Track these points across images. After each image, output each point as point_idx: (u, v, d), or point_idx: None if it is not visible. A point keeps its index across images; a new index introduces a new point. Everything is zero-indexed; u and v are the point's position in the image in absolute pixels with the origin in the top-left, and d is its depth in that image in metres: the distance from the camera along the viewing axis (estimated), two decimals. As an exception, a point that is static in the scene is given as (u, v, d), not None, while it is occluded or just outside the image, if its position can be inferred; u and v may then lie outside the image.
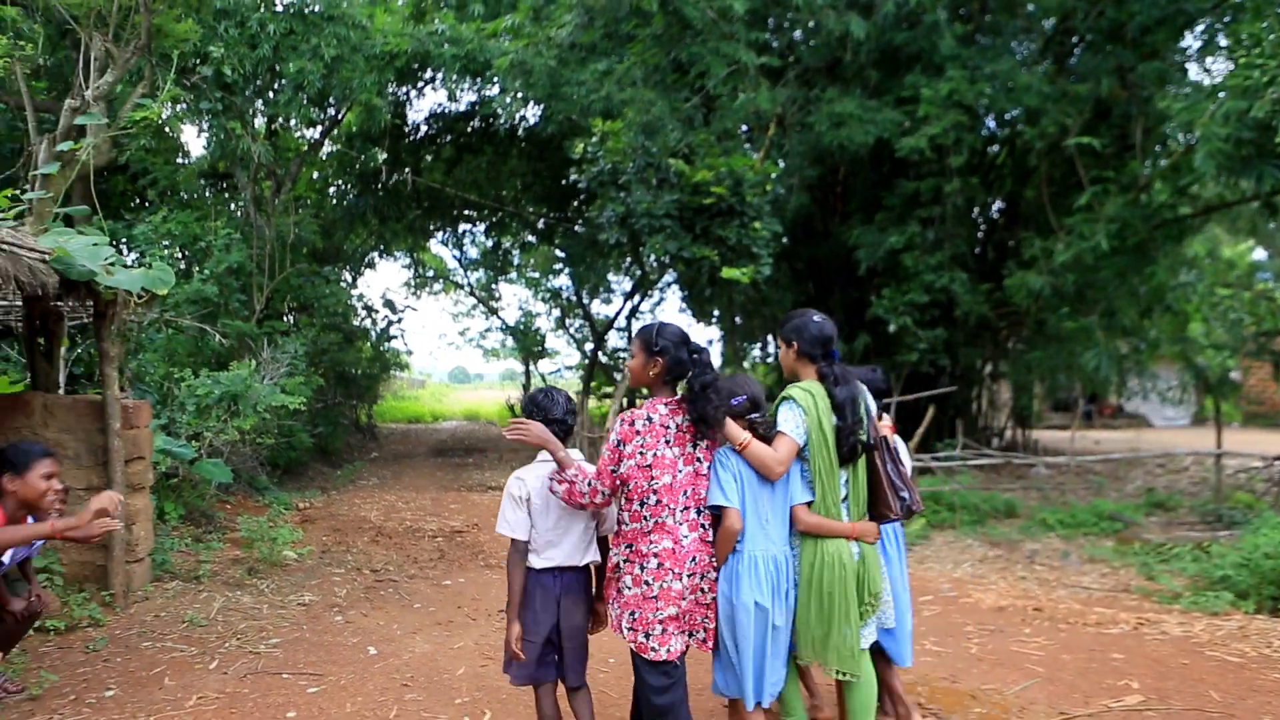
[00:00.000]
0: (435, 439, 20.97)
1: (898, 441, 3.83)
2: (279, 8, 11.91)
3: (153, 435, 6.84)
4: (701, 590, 3.21)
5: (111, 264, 5.78)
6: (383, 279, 44.40)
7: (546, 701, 3.45)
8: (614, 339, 25.57)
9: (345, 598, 6.53)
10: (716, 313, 22.53)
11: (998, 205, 14.96)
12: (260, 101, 12.84)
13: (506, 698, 4.54)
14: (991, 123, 13.58)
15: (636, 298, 24.53)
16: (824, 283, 15.55)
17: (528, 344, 25.05)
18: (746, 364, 23.88)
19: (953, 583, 7.40)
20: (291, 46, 11.51)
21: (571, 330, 26.94)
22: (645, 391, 3.42)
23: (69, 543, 6.03)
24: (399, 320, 18.79)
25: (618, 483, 3.20)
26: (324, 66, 11.49)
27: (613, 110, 11.79)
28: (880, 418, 3.72)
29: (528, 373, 26.25)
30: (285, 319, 13.78)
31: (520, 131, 16.08)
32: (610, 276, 24.27)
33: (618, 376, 23.22)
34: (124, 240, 11.28)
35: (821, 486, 3.32)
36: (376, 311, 18.70)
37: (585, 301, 25.59)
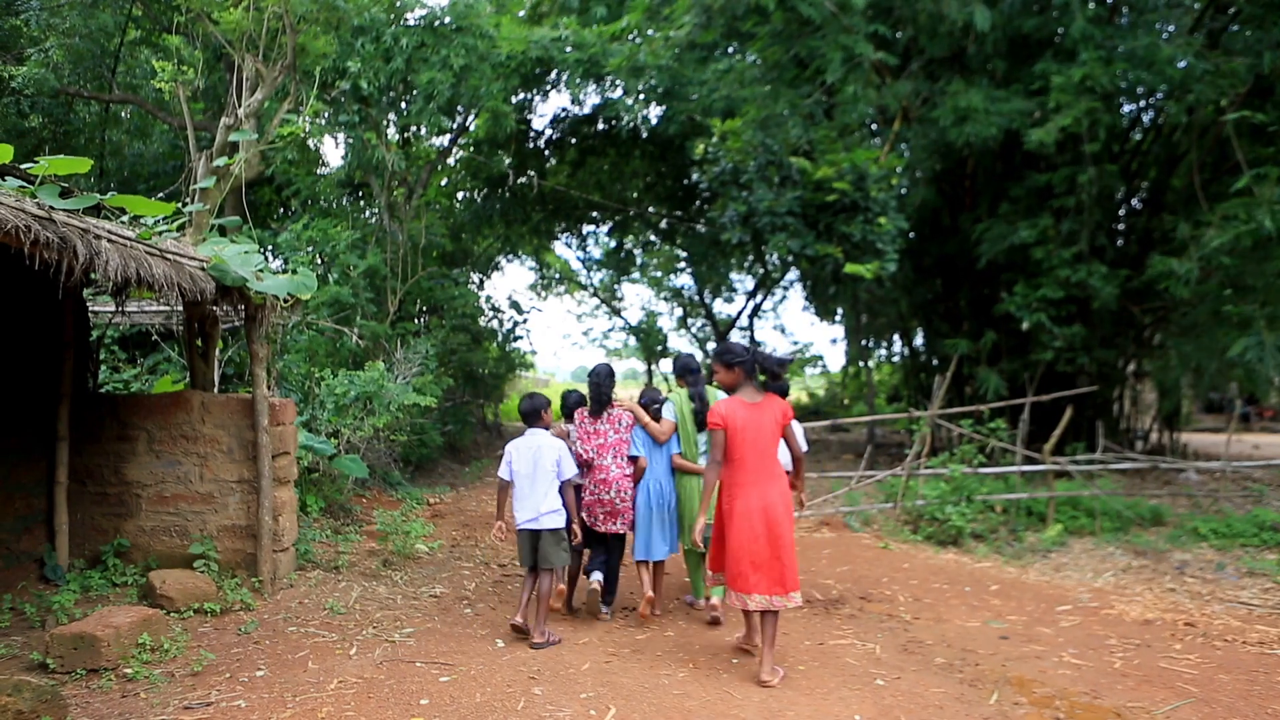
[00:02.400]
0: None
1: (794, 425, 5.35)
2: (411, 22, 12.41)
3: (297, 432, 7.23)
4: (622, 497, 5.89)
5: (261, 271, 6.15)
6: (509, 281, 45.71)
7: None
8: (736, 338, 25.49)
9: (474, 591, 6.73)
10: (840, 311, 22.16)
11: (1140, 194, 14.09)
12: (393, 112, 13.42)
13: (631, 693, 4.59)
14: (1135, 105, 12.82)
15: (759, 296, 24.41)
16: (952, 279, 15.04)
17: (650, 343, 25.24)
18: (871, 363, 23.38)
19: (1093, 592, 7.03)
20: (422, 58, 11.99)
21: (694, 330, 27.02)
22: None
23: (223, 532, 6.47)
24: (524, 321, 19.26)
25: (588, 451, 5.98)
26: (453, 76, 11.91)
27: (733, 109, 11.75)
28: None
29: (650, 372, 26.46)
30: (416, 320, 14.33)
31: (642, 133, 16.21)
32: (732, 275, 24.24)
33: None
34: (269, 248, 11.99)
35: (687, 444, 6.12)
36: (503, 312, 19.23)
37: (707, 300, 25.62)
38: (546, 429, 5.70)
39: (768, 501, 4.88)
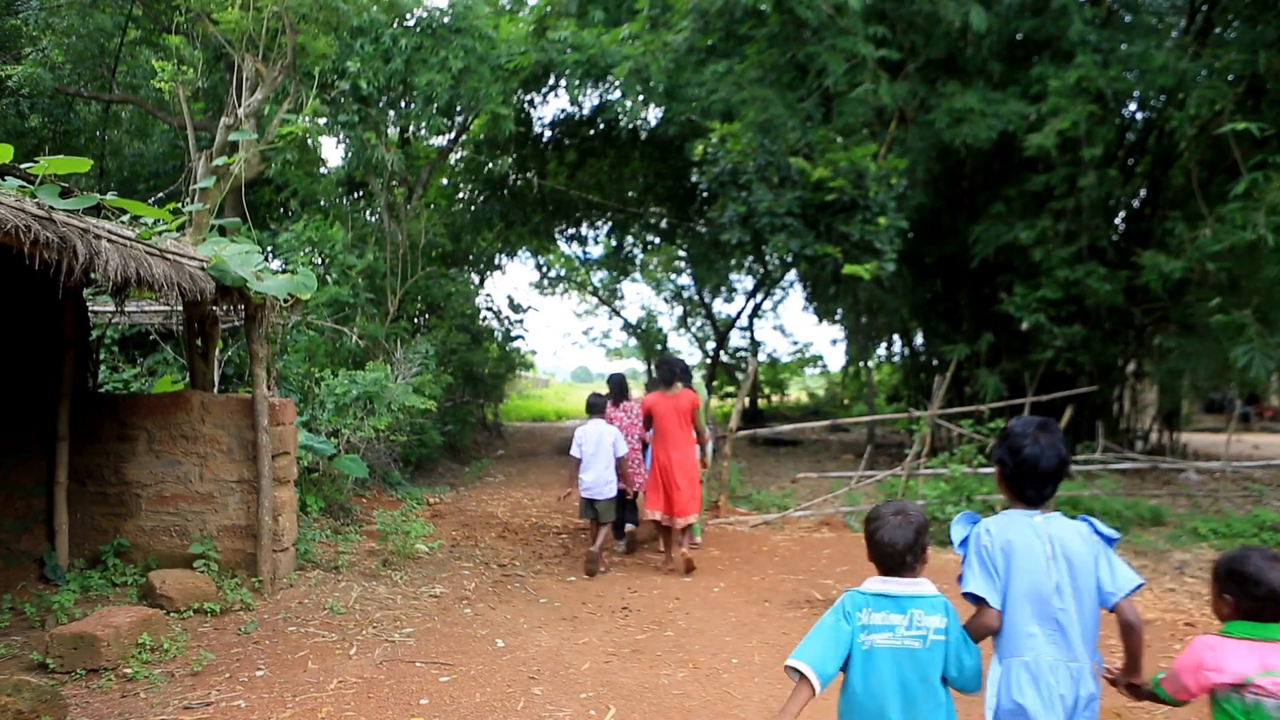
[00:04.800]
0: (559, 437, 21.36)
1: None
2: (410, 23, 12.42)
3: (297, 431, 7.23)
4: (633, 466, 7.85)
5: (260, 271, 6.16)
6: (509, 280, 45.86)
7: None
8: (736, 338, 25.55)
9: (474, 591, 6.74)
10: (840, 312, 22.18)
11: (1138, 194, 14.08)
12: (393, 113, 13.43)
13: (630, 693, 4.59)
14: (1132, 107, 12.82)
15: (759, 296, 24.44)
16: (951, 280, 15.04)
17: (650, 343, 25.26)
18: (871, 363, 23.39)
19: (1093, 593, 7.03)
20: (422, 60, 11.99)
21: (694, 329, 27.05)
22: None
23: (223, 532, 6.47)
24: (520, 321, 19.27)
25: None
26: (452, 78, 11.91)
27: (732, 111, 11.75)
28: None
29: (650, 371, 26.50)
30: (415, 320, 14.33)
31: (641, 134, 16.22)
32: (732, 276, 24.26)
33: (739, 376, 23.15)
34: (269, 248, 11.99)
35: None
36: (502, 312, 19.24)
37: (707, 300, 25.64)
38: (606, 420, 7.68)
39: (685, 456, 7.46)
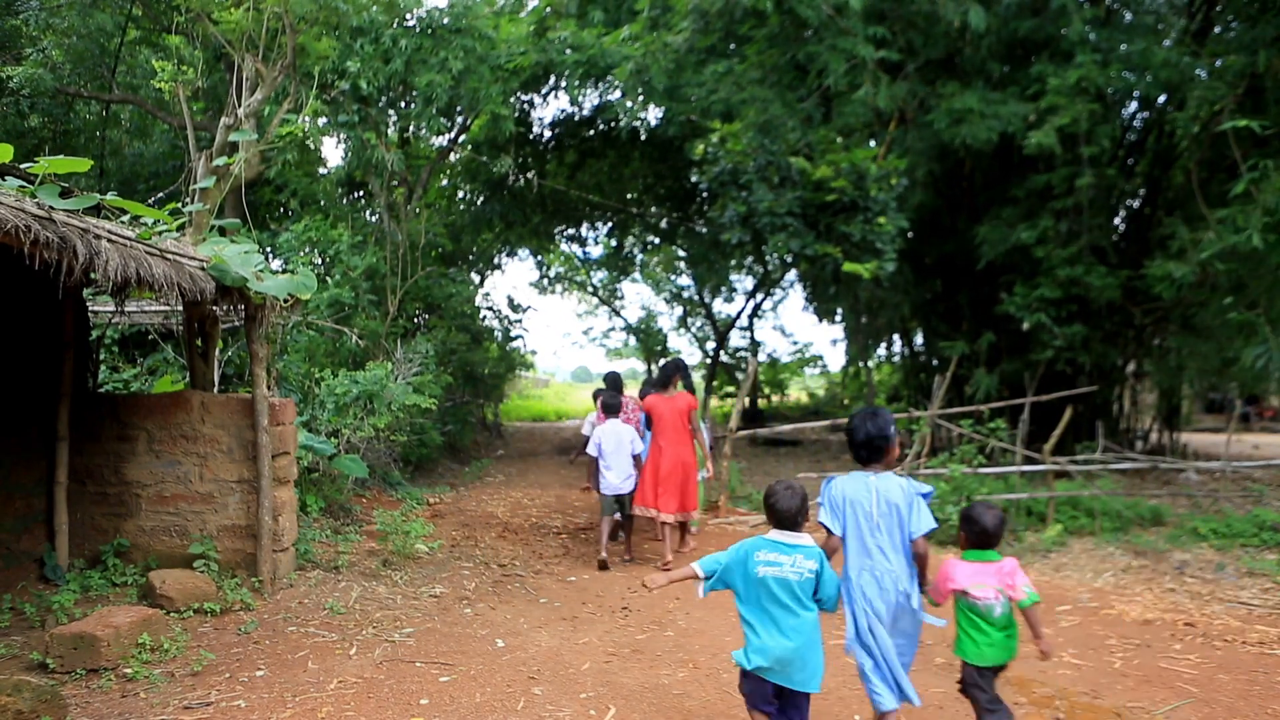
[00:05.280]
0: (559, 437, 21.38)
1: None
2: (410, 23, 12.41)
3: (297, 431, 7.23)
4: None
5: (260, 271, 6.16)
6: (509, 280, 45.99)
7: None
8: (736, 338, 25.55)
9: (474, 591, 6.74)
10: (840, 312, 22.17)
11: (1138, 193, 14.07)
12: (393, 113, 13.42)
13: (631, 693, 4.59)
14: (1132, 107, 12.80)
15: (759, 296, 24.44)
16: (951, 280, 15.04)
17: (650, 343, 25.25)
18: (871, 363, 23.40)
19: (1093, 593, 7.03)
20: (421, 60, 11.98)
21: (694, 329, 27.04)
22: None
23: (223, 532, 6.47)
24: (519, 320, 19.27)
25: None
26: (452, 78, 11.90)
27: (732, 111, 11.74)
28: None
29: (650, 371, 26.49)
30: (415, 320, 14.33)
31: (641, 134, 16.21)
32: (732, 276, 24.25)
33: (739, 375, 23.15)
34: (269, 248, 11.99)
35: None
36: (502, 312, 19.24)
37: (707, 300, 25.63)
38: (624, 420, 8.12)
39: (679, 456, 7.78)
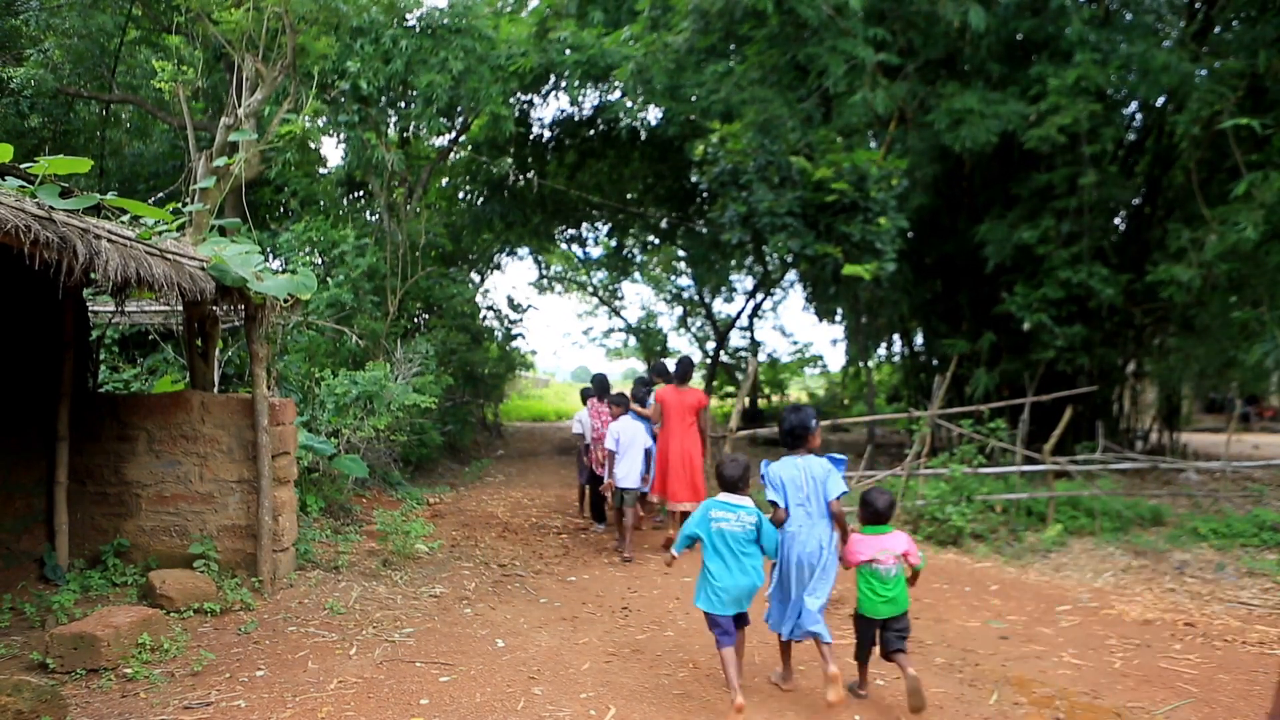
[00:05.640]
0: (559, 437, 21.37)
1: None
2: (410, 23, 12.41)
3: (296, 431, 7.23)
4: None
5: (260, 271, 6.16)
6: (509, 279, 45.94)
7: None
8: (736, 338, 25.54)
9: (474, 591, 6.74)
10: (840, 312, 22.16)
11: (1138, 193, 14.07)
12: (393, 113, 13.41)
13: (631, 693, 4.59)
14: (1131, 107, 12.79)
15: (759, 296, 24.42)
16: (951, 280, 15.04)
17: (650, 343, 25.24)
18: (871, 363, 23.39)
19: (1093, 593, 7.03)
20: (422, 60, 11.98)
21: (693, 329, 27.02)
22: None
23: (223, 532, 6.47)
24: (520, 320, 19.27)
25: None
26: (452, 79, 11.90)
27: (732, 111, 11.74)
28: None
29: (646, 371, 26.48)
30: (415, 320, 14.33)
31: (641, 135, 16.21)
32: (732, 276, 24.24)
33: (739, 375, 23.15)
34: (269, 249, 11.99)
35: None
36: (502, 312, 19.23)
37: (707, 300, 25.62)
38: (639, 416, 8.52)
39: (685, 448, 8.29)
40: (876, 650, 4.54)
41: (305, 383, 10.02)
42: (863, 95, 10.94)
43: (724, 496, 4.61)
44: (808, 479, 4.65)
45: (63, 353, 6.38)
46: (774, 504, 4.64)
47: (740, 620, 4.56)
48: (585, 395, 9.88)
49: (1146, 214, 13.76)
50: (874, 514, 4.66)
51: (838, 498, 4.61)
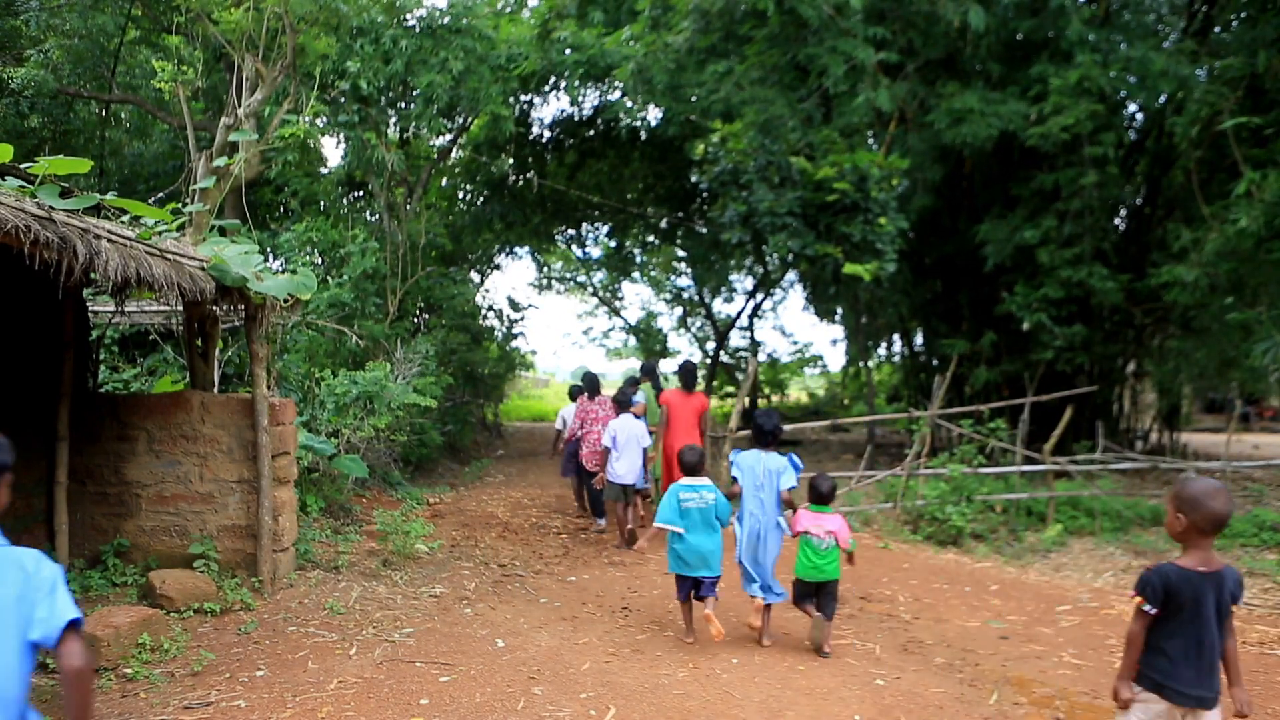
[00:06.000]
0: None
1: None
2: (410, 23, 12.41)
3: (296, 431, 7.23)
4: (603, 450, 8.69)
5: (260, 271, 6.16)
6: (508, 279, 45.81)
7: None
8: (736, 338, 25.53)
9: (474, 591, 6.74)
10: (839, 312, 22.16)
11: (1139, 193, 14.07)
12: (393, 113, 13.41)
13: (631, 693, 4.59)
14: (1131, 107, 12.79)
15: (759, 296, 24.41)
16: (951, 280, 15.04)
17: (650, 343, 25.23)
18: (871, 363, 23.39)
19: (1093, 593, 7.04)
20: (422, 60, 11.98)
21: (693, 329, 27.01)
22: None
23: (223, 532, 6.46)
24: (522, 319, 19.26)
25: None
26: (452, 79, 11.89)
27: (732, 111, 11.74)
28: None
29: (637, 371, 26.44)
30: (415, 320, 14.32)
31: (642, 135, 16.21)
32: (732, 276, 24.23)
33: (739, 376, 23.14)
34: (270, 249, 11.99)
35: (651, 415, 9.03)
36: (502, 311, 19.23)
37: (707, 301, 25.61)
38: (636, 415, 8.72)
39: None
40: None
41: (305, 383, 10.01)
42: (865, 94, 10.94)
43: (686, 480, 5.68)
44: (764, 470, 5.65)
45: (63, 353, 6.38)
46: (734, 480, 5.74)
47: (700, 585, 5.59)
48: (574, 393, 10.36)
49: (1146, 214, 13.77)
50: (818, 495, 5.64)
51: (789, 489, 5.64)
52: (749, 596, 5.68)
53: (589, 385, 9.90)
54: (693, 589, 5.61)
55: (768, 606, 5.59)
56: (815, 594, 5.43)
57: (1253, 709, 3.26)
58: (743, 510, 5.66)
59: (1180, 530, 3.08)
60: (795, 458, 5.73)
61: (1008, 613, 6.38)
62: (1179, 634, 3.06)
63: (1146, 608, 3.06)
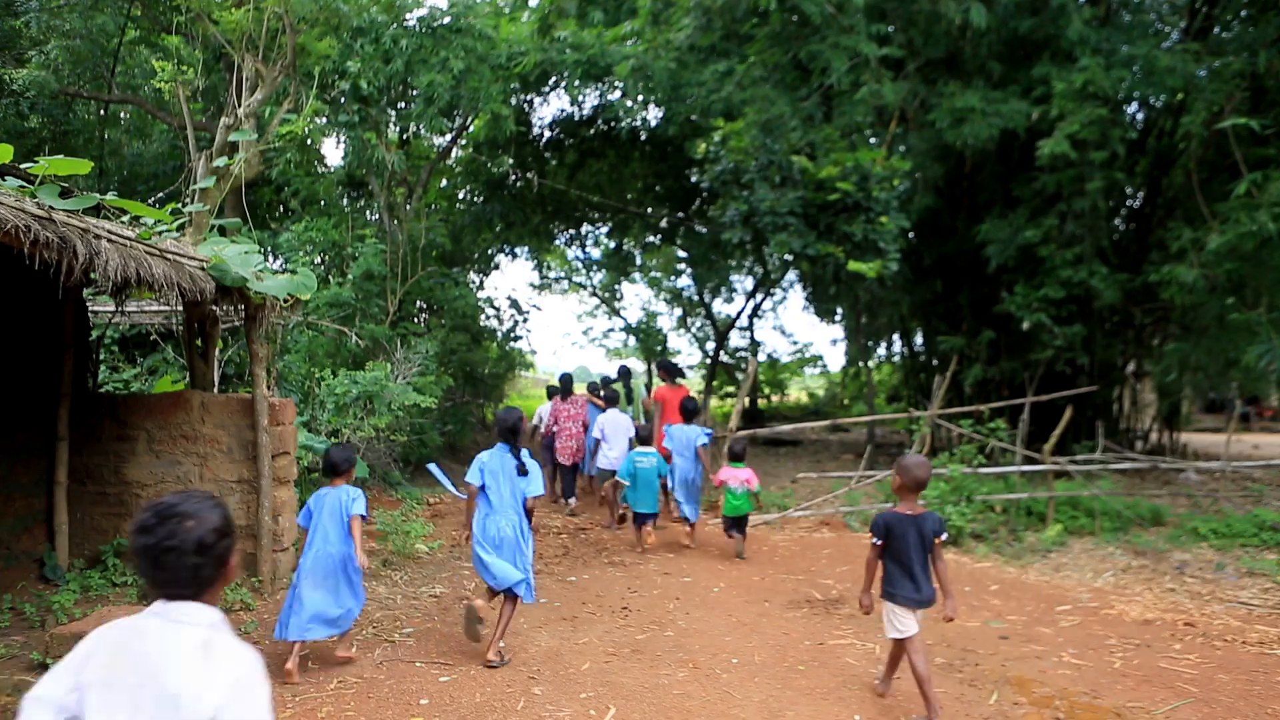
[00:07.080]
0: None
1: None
2: (411, 23, 12.40)
3: (296, 431, 7.22)
4: (579, 444, 10.60)
5: (260, 271, 6.15)
6: (508, 279, 45.78)
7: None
8: (735, 338, 25.53)
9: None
10: (840, 312, 22.15)
11: (1139, 194, 14.06)
12: (393, 113, 13.40)
13: (630, 693, 4.59)
14: (1132, 107, 12.78)
15: (759, 296, 24.41)
16: (952, 279, 15.03)
17: (649, 343, 25.22)
18: (871, 363, 23.39)
19: (1093, 592, 7.03)
20: (422, 60, 11.97)
21: (693, 330, 27.01)
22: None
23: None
24: (524, 320, 19.24)
25: None
26: (452, 78, 11.89)
27: (733, 110, 11.73)
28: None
29: (649, 370, 26.45)
30: (415, 320, 14.31)
31: (642, 134, 16.18)
32: (732, 276, 24.22)
33: (739, 376, 23.13)
34: (270, 248, 11.98)
35: (637, 411, 11.50)
36: (501, 312, 19.21)
37: (707, 301, 25.60)
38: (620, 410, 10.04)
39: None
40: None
41: (305, 383, 10.01)
42: (869, 88, 10.94)
43: (640, 449, 8.30)
44: (685, 439, 8.49)
45: (63, 353, 6.38)
46: (667, 447, 8.41)
47: (651, 517, 8.24)
48: (551, 393, 11.39)
49: (1147, 214, 13.76)
50: (734, 455, 8.20)
51: (702, 446, 8.41)
52: (681, 520, 8.56)
53: (563, 386, 10.95)
54: (642, 521, 8.21)
55: (691, 525, 8.42)
56: (736, 525, 7.94)
57: (958, 613, 4.52)
58: (674, 467, 8.46)
59: (896, 487, 4.56)
60: (708, 430, 8.83)
61: (1008, 613, 6.38)
62: (897, 559, 4.39)
63: (875, 540, 4.48)
